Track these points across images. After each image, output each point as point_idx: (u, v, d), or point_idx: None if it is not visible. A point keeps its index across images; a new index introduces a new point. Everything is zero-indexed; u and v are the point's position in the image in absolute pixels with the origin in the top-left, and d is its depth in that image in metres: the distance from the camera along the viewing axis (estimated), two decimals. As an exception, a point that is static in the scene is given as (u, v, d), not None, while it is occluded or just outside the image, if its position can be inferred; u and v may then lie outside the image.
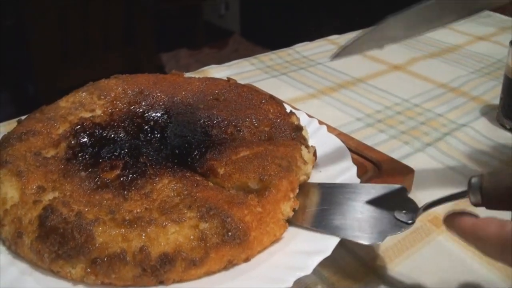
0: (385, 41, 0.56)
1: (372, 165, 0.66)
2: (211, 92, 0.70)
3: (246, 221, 0.48)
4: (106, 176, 0.54)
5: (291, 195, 0.53)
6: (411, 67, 1.08)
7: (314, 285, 0.51)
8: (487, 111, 0.89)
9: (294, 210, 0.52)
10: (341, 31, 1.28)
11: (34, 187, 0.51)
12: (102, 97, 0.67)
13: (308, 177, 0.58)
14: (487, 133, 0.81)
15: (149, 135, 0.61)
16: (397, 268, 0.54)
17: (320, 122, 0.71)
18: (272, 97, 0.71)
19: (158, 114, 0.65)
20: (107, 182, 0.53)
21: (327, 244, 0.48)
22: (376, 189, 0.54)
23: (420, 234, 0.59)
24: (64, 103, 0.66)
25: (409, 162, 0.68)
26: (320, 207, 0.53)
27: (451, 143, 0.78)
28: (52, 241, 0.46)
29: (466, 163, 0.73)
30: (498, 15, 1.44)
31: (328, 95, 0.94)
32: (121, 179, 0.53)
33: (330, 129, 0.71)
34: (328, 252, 0.47)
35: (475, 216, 0.42)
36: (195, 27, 3.42)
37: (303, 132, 0.63)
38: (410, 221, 0.48)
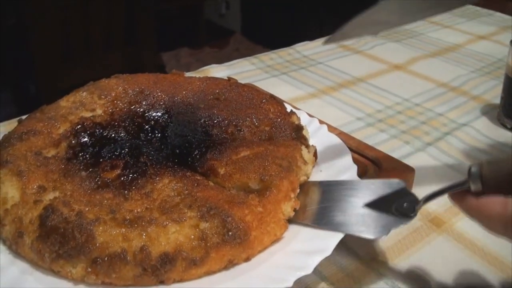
0: (379, 27, 0.55)
1: (373, 164, 0.66)
2: (211, 92, 0.70)
3: (246, 220, 0.48)
4: (107, 175, 0.54)
5: (292, 195, 0.53)
6: (411, 67, 1.08)
7: (315, 284, 0.51)
8: (487, 111, 0.88)
9: (295, 210, 0.52)
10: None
11: (35, 186, 0.52)
12: (103, 96, 0.67)
13: (308, 177, 0.58)
14: (487, 133, 0.81)
15: (150, 134, 0.62)
16: (398, 267, 0.54)
17: (321, 122, 0.71)
18: (272, 97, 0.71)
19: (159, 114, 0.65)
20: (108, 182, 0.53)
21: (327, 243, 0.48)
22: (375, 185, 0.54)
23: (421, 234, 0.59)
24: (64, 102, 0.66)
25: (410, 162, 0.67)
26: (320, 205, 0.53)
27: (452, 142, 0.78)
28: (52, 240, 0.46)
29: (467, 162, 0.73)
30: (499, 14, 1.43)
31: (328, 94, 0.94)
32: (122, 178, 0.53)
33: (331, 128, 0.71)
34: (328, 252, 0.47)
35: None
36: (196, 26, 3.43)
37: (304, 132, 0.63)
38: (412, 214, 0.49)
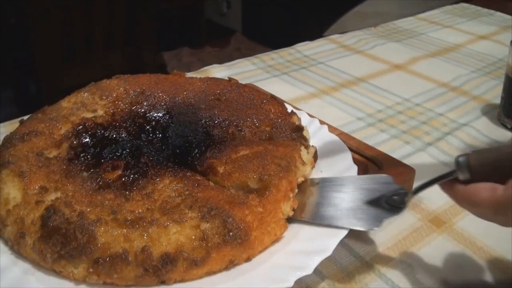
0: (379, 18, 0.56)
1: (373, 164, 0.66)
2: (212, 92, 0.70)
3: (247, 221, 0.48)
4: (108, 176, 0.54)
5: (291, 195, 0.53)
6: (412, 67, 1.08)
7: (315, 284, 0.51)
8: (488, 111, 0.89)
9: (293, 209, 0.53)
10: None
11: (37, 187, 0.52)
12: (104, 97, 0.67)
13: (306, 178, 0.58)
14: (488, 132, 0.81)
15: (151, 135, 0.62)
16: (398, 267, 0.54)
17: (321, 122, 0.71)
18: (273, 97, 0.71)
19: (160, 114, 0.65)
20: (109, 183, 0.53)
21: (328, 243, 0.49)
22: (364, 180, 0.56)
23: (421, 234, 0.59)
24: (66, 103, 0.66)
25: (410, 162, 0.68)
26: (311, 201, 0.55)
27: (452, 142, 0.78)
28: (54, 241, 0.46)
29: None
30: (499, 14, 1.43)
31: (329, 94, 0.94)
32: (123, 179, 0.53)
33: (331, 128, 0.72)
34: (329, 252, 0.47)
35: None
36: (196, 26, 3.42)
37: (304, 132, 0.63)
38: (402, 205, 0.50)
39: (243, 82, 0.76)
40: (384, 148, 0.72)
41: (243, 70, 1.04)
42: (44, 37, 1.88)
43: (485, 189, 0.43)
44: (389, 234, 0.58)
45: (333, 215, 0.52)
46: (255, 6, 3.62)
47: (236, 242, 0.47)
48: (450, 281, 0.52)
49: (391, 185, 0.53)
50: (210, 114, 0.65)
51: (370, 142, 0.73)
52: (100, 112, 0.65)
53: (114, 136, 0.61)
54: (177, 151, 0.59)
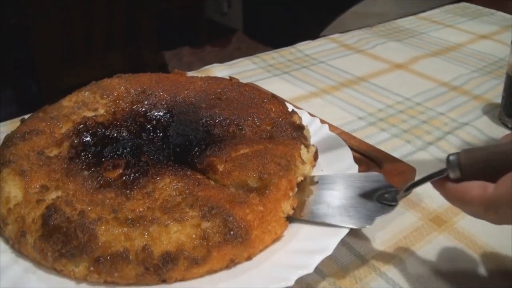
0: (377, 18, 0.56)
1: (374, 163, 0.67)
2: (213, 91, 0.70)
3: (247, 220, 0.48)
4: (109, 175, 0.54)
5: (291, 194, 0.53)
6: (413, 66, 1.08)
7: (316, 283, 0.51)
8: (489, 110, 0.88)
9: (293, 208, 0.53)
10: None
11: (37, 186, 0.52)
12: (105, 96, 0.67)
13: (305, 178, 0.58)
14: (489, 132, 0.81)
15: (152, 134, 0.62)
16: (398, 266, 0.54)
17: (322, 121, 0.71)
18: (274, 96, 0.71)
19: (161, 113, 0.65)
20: (110, 181, 0.53)
21: (328, 243, 0.49)
22: (356, 178, 0.56)
23: (422, 233, 0.59)
24: (67, 102, 0.66)
25: (411, 161, 0.68)
26: (311, 199, 0.55)
27: (453, 141, 0.78)
28: (55, 240, 0.46)
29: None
30: (500, 13, 1.43)
31: (330, 94, 0.94)
32: (124, 178, 0.53)
33: (332, 127, 0.72)
34: (329, 251, 0.47)
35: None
36: (197, 25, 3.42)
37: (305, 132, 0.63)
38: (393, 203, 0.50)
39: (244, 81, 0.76)
40: (385, 147, 0.72)
41: (244, 69, 1.03)
42: (44, 37, 1.88)
43: (475, 188, 0.43)
44: (390, 233, 0.58)
45: (325, 213, 0.52)
46: (256, 5, 3.61)
47: (236, 241, 0.47)
48: (450, 280, 0.52)
49: (382, 182, 0.54)
50: (211, 113, 0.65)
51: (371, 141, 0.73)
52: (101, 111, 0.65)
53: (115, 135, 0.61)
54: (178, 150, 0.59)
